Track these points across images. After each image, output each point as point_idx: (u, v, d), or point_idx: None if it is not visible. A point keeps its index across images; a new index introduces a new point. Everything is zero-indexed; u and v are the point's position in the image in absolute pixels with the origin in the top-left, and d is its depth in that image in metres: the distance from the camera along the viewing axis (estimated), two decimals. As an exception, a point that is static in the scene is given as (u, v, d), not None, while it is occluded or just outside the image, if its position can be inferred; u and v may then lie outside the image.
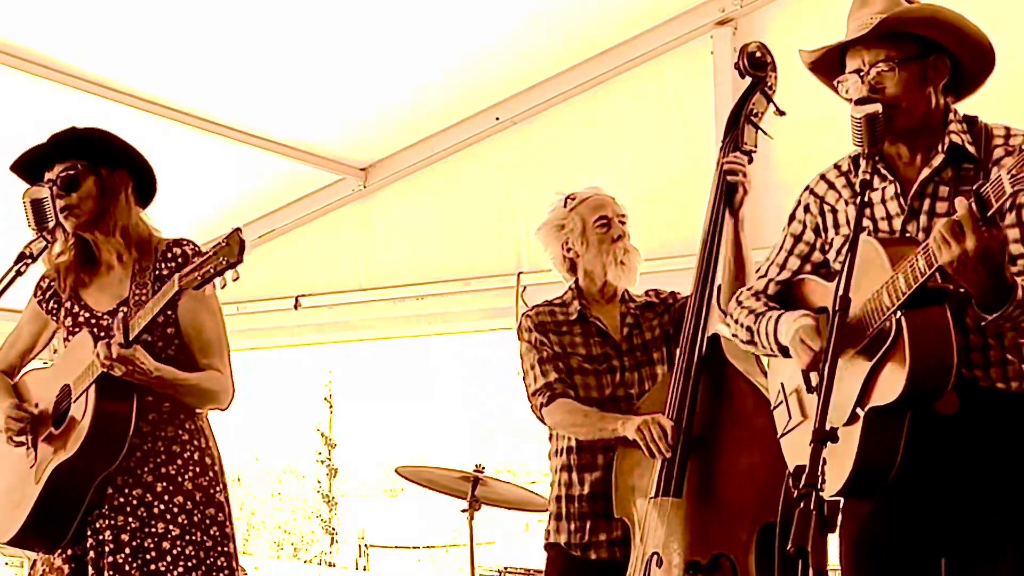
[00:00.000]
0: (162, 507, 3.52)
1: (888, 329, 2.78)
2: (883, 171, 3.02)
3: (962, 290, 2.76)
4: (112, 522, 3.50)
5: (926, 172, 2.97)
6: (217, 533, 3.59)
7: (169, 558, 3.49)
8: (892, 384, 2.76)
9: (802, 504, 2.37)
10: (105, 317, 3.62)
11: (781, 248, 3.24)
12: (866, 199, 2.84)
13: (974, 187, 2.62)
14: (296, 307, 6.50)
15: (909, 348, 2.72)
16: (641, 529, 3.76)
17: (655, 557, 3.65)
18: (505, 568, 6.57)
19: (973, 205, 2.59)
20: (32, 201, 3.44)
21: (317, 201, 6.44)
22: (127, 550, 3.48)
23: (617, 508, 3.85)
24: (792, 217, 3.23)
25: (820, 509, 2.35)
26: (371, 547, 21.29)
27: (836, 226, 3.12)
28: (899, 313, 2.74)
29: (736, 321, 3.28)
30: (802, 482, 2.40)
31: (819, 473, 2.40)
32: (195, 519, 3.55)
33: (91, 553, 3.51)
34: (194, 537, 3.53)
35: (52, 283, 3.73)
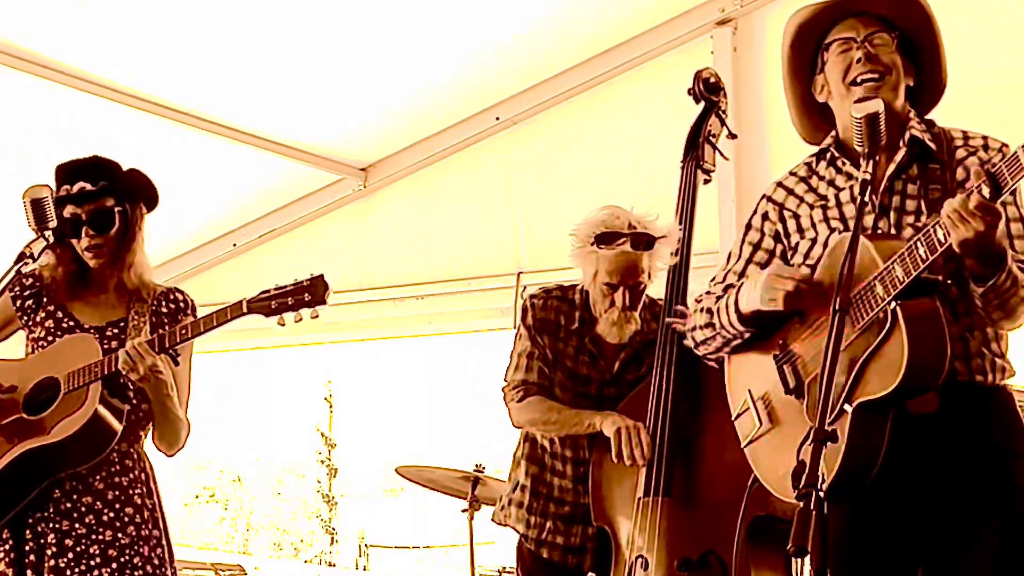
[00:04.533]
0: (112, 515, 3.53)
1: (882, 320, 2.77)
2: (847, 169, 3.04)
3: (948, 282, 2.78)
4: (56, 526, 3.49)
5: (891, 168, 2.98)
6: (163, 554, 3.60)
7: (115, 565, 3.49)
8: (886, 374, 2.75)
9: (802, 504, 2.37)
10: (92, 331, 3.62)
11: (739, 257, 3.21)
12: (866, 199, 2.84)
13: (985, 166, 2.65)
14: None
15: (907, 336, 2.72)
16: (623, 534, 3.77)
17: (640, 560, 3.66)
18: (504, 568, 6.57)
19: (985, 183, 2.62)
20: (32, 201, 3.44)
21: (317, 201, 6.43)
22: (70, 555, 3.47)
23: (596, 516, 3.84)
24: (749, 226, 3.21)
25: (820, 509, 2.35)
26: (371, 547, 21.31)
27: (800, 231, 3.10)
28: (894, 304, 2.75)
29: (696, 310, 3.24)
30: (802, 482, 2.40)
31: (819, 473, 2.40)
32: (143, 533, 3.56)
33: (31, 556, 3.49)
34: (141, 550, 3.54)
35: (37, 282, 3.71)
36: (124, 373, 3.43)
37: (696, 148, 4.08)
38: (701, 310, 3.22)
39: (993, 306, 2.81)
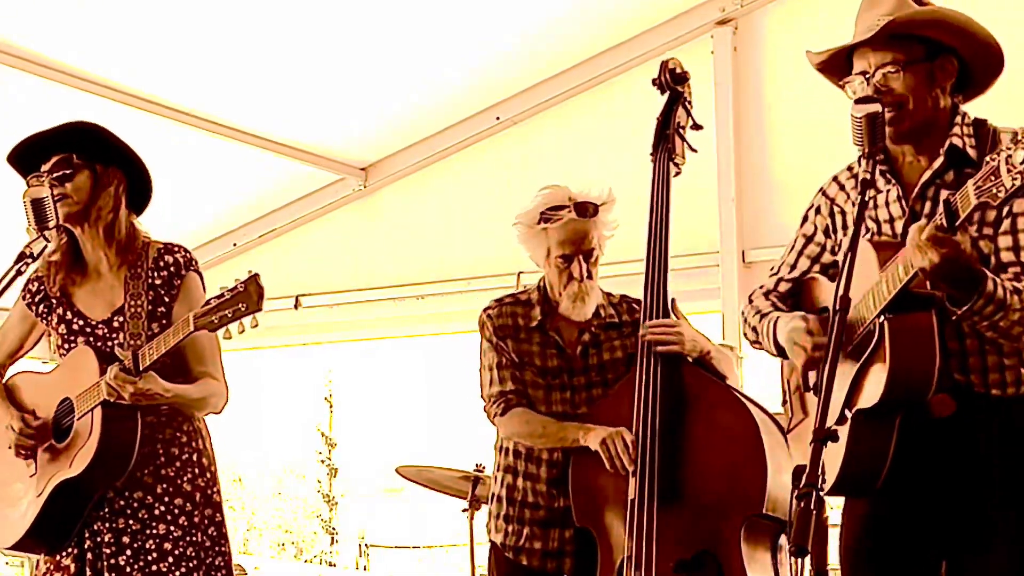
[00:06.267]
0: (163, 508, 3.53)
1: (873, 333, 2.79)
2: (887, 174, 3.03)
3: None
4: (112, 525, 3.51)
5: (927, 175, 2.97)
6: (215, 533, 3.60)
7: (171, 559, 3.50)
8: (874, 387, 2.78)
9: (802, 504, 2.37)
10: (100, 326, 3.61)
11: (792, 248, 3.26)
12: (866, 199, 2.84)
13: (944, 197, 2.65)
14: (296, 307, 6.50)
15: (889, 353, 2.74)
16: (610, 536, 3.76)
17: (630, 562, 3.66)
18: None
19: (942, 215, 2.64)
20: (32, 201, 3.43)
21: (317, 201, 6.44)
22: (128, 552, 3.49)
23: (579, 517, 3.83)
24: (805, 218, 3.25)
25: (820, 509, 2.36)
26: (371, 547, 21.29)
27: (844, 227, 3.13)
28: (882, 318, 2.76)
29: (746, 320, 3.30)
30: (802, 482, 2.40)
31: (819, 473, 2.40)
32: (195, 520, 3.56)
33: (89, 555, 3.51)
34: (194, 538, 3.54)
35: (41, 285, 3.70)
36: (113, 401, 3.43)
37: (666, 140, 4.03)
38: (749, 326, 3.26)
39: (982, 328, 2.79)
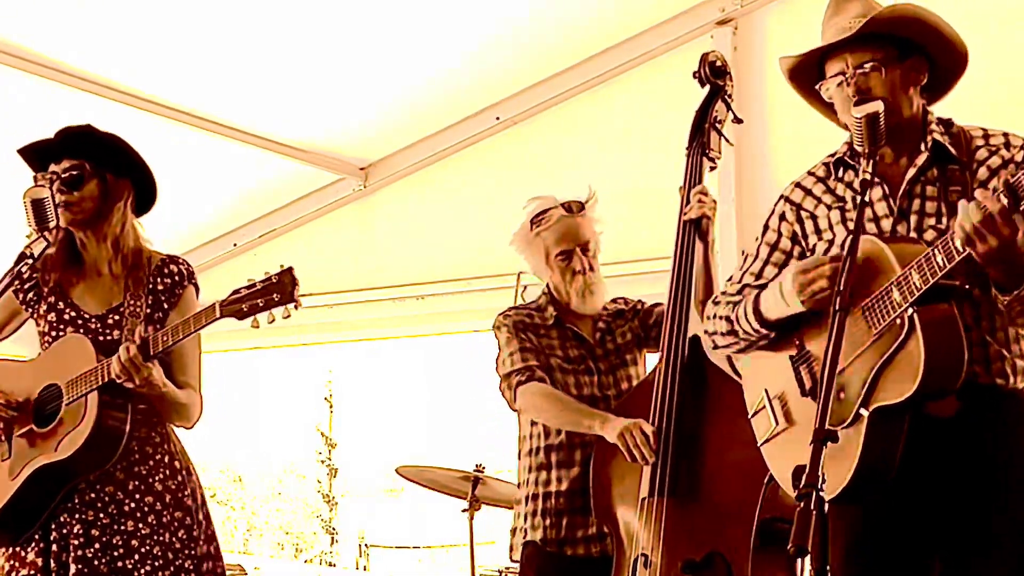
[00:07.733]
0: (132, 505, 3.53)
1: (899, 326, 2.77)
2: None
3: (967, 286, 2.77)
4: (82, 516, 3.50)
5: (912, 172, 2.97)
6: (185, 536, 3.59)
7: (137, 556, 3.49)
8: (903, 380, 2.75)
9: (802, 504, 2.37)
10: (93, 320, 3.61)
11: (756, 257, 3.20)
12: (867, 199, 2.84)
13: (1004, 178, 2.63)
14: (296, 307, 6.49)
15: (924, 343, 2.71)
16: (626, 531, 3.77)
17: (643, 558, 3.66)
18: (505, 568, 6.56)
19: (1004, 196, 2.60)
20: (32, 201, 3.43)
21: (317, 201, 6.44)
22: (96, 545, 3.48)
23: (597, 512, 3.86)
24: (767, 226, 3.20)
25: (820, 509, 2.35)
26: (371, 547, 21.30)
27: (818, 232, 3.09)
28: (911, 310, 2.74)
29: (713, 316, 3.23)
30: (802, 482, 2.40)
31: (819, 473, 2.40)
32: (164, 520, 3.56)
33: (54, 547, 3.50)
34: (162, 538, 3.54)
35: (34, 275, 3.69)
36: (119, 382, 3.43)
37: (701, 134, 4.02)
38: (720, 317, 3.20)
39: (1016, 312, 2.81)
